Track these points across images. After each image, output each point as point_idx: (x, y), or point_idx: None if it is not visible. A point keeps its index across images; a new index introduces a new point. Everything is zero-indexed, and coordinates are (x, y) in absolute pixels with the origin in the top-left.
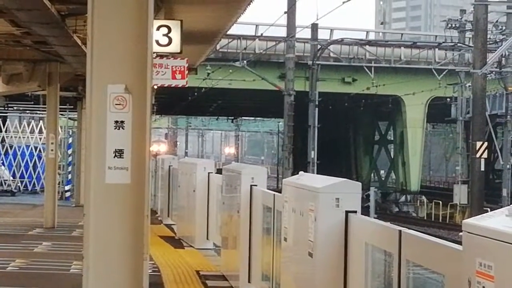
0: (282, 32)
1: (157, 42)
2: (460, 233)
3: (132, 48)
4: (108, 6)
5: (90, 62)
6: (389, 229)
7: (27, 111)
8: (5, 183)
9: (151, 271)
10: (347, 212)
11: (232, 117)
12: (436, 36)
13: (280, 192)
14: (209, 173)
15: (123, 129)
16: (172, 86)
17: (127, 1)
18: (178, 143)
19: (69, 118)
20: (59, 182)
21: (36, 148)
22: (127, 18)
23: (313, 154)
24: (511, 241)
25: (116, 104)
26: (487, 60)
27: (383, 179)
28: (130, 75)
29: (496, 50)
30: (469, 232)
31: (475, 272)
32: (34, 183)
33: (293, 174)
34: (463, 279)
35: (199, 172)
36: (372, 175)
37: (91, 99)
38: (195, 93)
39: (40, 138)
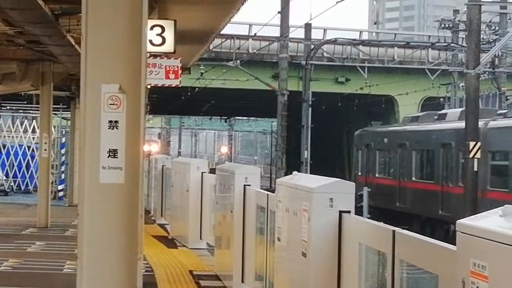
0: (276, 32)
1: (150, 41)
2: None
3: (126, 47)
4: (102, 6)
5: (84, 61)
6: (383, 229)
7: (20, 111)
8: None
9: (144, 271)
10: (340, 212)
11: (226, 117)
12: (429, 36)
13: (273, 191)
14: (202, 172)
15: (117, 129)
16: (165, 86)
17: (121, 1)
18: (171, 142)
19: (63, 118)
20: (52, 181)
21: (29, 147)
22: (121, 17)
23: (306, 154)
24: (505, 241)
25: (110, 104)
26: (480, 60)
27: None
28: (124, 75)
29: (489, 50)
30: (463, 232)
31: (469, 272)
32: (27, 183)
33: (286, 174)
34: (457, 280)
35: (193, 172)
36: None
37: (85, 99)
38: (189, 93)
39: (33, 138)
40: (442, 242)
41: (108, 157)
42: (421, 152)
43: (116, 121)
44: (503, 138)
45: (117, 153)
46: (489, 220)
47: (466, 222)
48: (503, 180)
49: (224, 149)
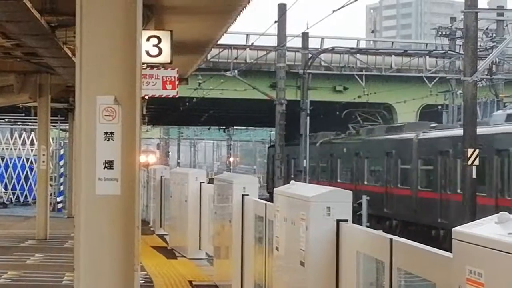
0: (273, 41)
1: (147, 52)
2: None
3: (121, 59)
4: (96, 17)
5: (79, 73)
6: (381, 237)
7: (19, 123)
8: None
9: (143, 281)
10: (338, 221)
11: (224, 127)
12: (426, 44)
13: (272, 201)
14: (201, 183)
15: (113, 140)
16: (162, 96)
17: (115, 12)
18: (170, 153)
19: (61, 129)
20: (51, 193)
21: (27, 159)
22: (115, 29)
23: (305, 163)
24: (501, 248)
25: (105, 116)
26: (478, 67)
27: None
28: (119, 86)
29: (486, 58)
30: (459, 240)
31: (465, 279)
32: (26, 195)
33: (285, 183)
34: (454, 287)
35: (191, 182)
36: None
37: (81, 111)
38: (187, 103)
39: (32, 150)
40: (439, 250)
41: (104, 168)
42: (291, 160)
43: (111, 133)
44: (334, 149)
45: (113, 165)
46: (485, 227)
47: (462, 229)
48: (345, 174)
49: (230, 159)
